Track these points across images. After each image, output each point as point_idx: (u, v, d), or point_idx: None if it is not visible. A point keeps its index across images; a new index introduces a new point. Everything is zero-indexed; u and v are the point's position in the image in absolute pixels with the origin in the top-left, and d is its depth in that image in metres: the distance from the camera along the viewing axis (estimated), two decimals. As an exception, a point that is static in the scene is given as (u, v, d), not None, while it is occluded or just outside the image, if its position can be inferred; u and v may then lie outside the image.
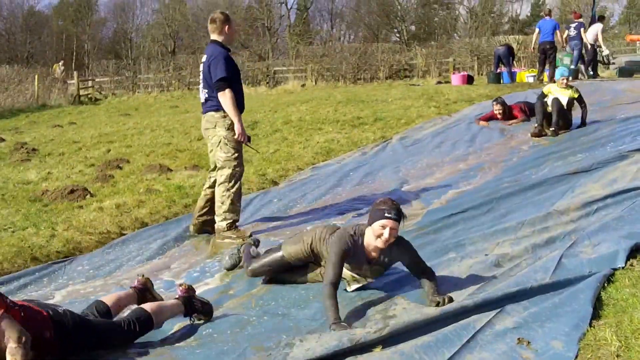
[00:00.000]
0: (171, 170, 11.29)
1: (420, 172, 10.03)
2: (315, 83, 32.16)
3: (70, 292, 6.24)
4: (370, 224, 5.18)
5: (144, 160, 12.48)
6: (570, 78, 20.11)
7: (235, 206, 7.66)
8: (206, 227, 7.82)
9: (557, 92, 12.02)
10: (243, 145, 7.66)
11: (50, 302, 5.96)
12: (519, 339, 4.25)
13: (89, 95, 32.84)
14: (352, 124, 15.23)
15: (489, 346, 4.24)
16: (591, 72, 22.47)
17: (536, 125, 11.94)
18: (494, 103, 14.06)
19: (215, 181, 7.72)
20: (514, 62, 25.46)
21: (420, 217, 7.61)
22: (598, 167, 8.63)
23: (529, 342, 4.20)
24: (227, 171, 7.56)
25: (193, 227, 7.84)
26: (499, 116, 13.83)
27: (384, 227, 5.08)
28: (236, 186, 7.61)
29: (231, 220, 7.62)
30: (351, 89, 26.72)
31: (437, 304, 4.92)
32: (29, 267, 6.83)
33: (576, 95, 12.08)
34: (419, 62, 34.39)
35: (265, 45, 60.20)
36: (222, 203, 7.61)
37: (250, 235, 7.52)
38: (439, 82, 26.89)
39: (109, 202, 9.06)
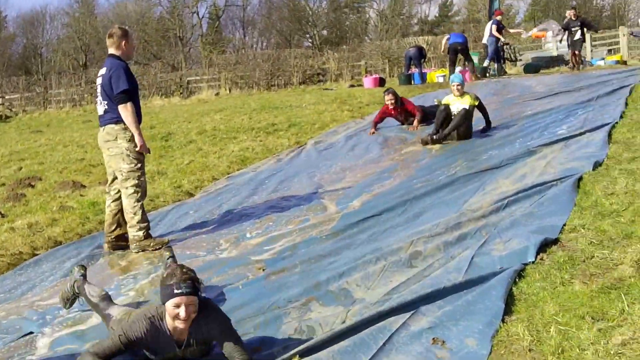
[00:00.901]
0: (85, 186, 11.08)
1: (334, 176, 10.04)
2: (230, 91, 32.00)
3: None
4: (163, 303, 4.36)
5: (57, 177, 12.22)
6: (468, 79, 20.49)
7: (145, 215, 7.64)
8: (120, 242, 7.69)
9: (457, 101, 11.50)
10: (145, 156, 7.62)
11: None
12: (434, 339, 4.28)
13: (-1, 113, 32.12)
14: (266, 131, 15.19)
15: (405, 348, 4.26)
16: (496, 70, 22.98)
17: (431, 133, 11.35)
18: (385, 94, 13.67)
19: (117, 194, 7.67)
20: (424, 63, 25.78)
21: (336, 221, 7.60)
22: (508, 164, 8.79)
23: (443, 342, 4.24)
24: (133, 182, 7.49)
25: (107, 244, 7.71)
26: (391, 107, 13.49)
27: (177, 305, 4.26)
28: (144, 198, 7.61)
29: (145, 230, 7.57)
30: (265, 95, 26.69)
31: None
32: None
33: (476, 103, 11.58)
34: (332, 66, 34.55)
35: (178, 55, 59.77)
36: (135, 214, 7.54)
37: (168, 242, 7.54)
38: (352, 86, 27.07)
39: (21, 222, 8.85)
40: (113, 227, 7.74)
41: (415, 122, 13.22)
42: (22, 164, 14.40)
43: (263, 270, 6.34)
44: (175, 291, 4.24)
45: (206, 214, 8.75)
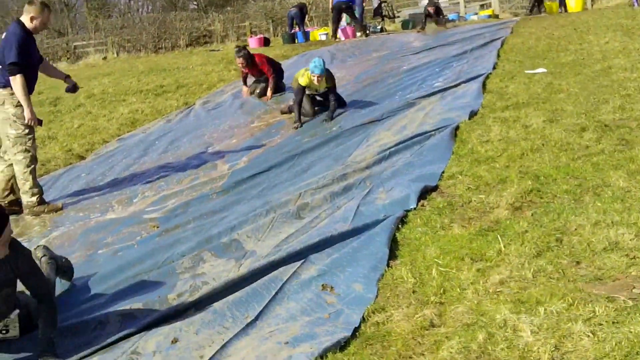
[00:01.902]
0: None
1: (223, 134, 9.98)
2: (117, 55, 31.25)
3: None
4: None
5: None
6: (351, 36, 20.55)
7: (36, 181, 7.45)
8: (13, 207, 7.49)
9: (316, 87, 9.88)
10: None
11: None
12: (323, 285, 4.37)
13: None
14: (155, 92, 14.93)
15: (296, 295, 4.33)
16: (378, 27, 23.16)
17: (295, 122, 9.74)
18: (236, 56, 12.73)
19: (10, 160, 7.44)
20: (307, 22, 25.76)
21: (226, 178, 7.59)
22: (389, 116, 8.93)
23: (332, 288, 4.32)
24: (20, 147, 7.26)
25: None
26: (243, 68, 12.80)
27: None
28: (34, 163, 7.38)
29: (39, 195, 7.40)
30: (153, 58, 26.17)
31: None
32: None
33: (330, 85, 9.90)
34: (217, 28, 34.15)
35: (64, 20, 57.97)
36: (26, 180, 7.33)
37: (62, 208, 7.41)
38: (238, 47, 26.85)
39: None
40: (6, 193, 7.52)
41: (269, 93, 12.34)
42: None
43: (156, 228, 6.30)
44: None
45: (98, 177, 8.59)
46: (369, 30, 22.39)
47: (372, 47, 17.62)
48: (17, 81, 7.07)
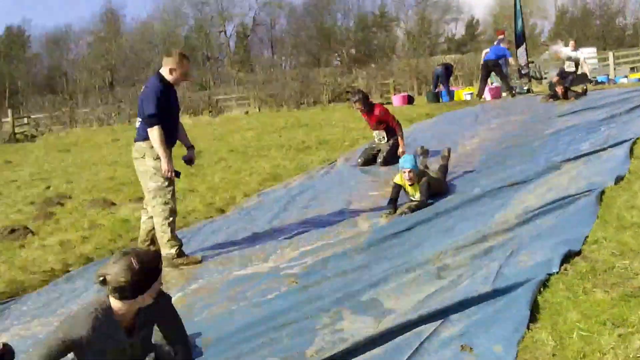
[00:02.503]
0: (115, 204, 11.35)
1: (365, 192, 10.23)
2: (259, 110, 32.34)
3: (14, 334, 6.31)
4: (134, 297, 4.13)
5: (87, 195, 12.51)
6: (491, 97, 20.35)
7: (175, 234, 7.79)
8: None
9: (409, 190, 9.20)
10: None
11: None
12: (462, 345, 4.50)
13: (25, 133, 32.58)
14: (297, 148, 15.43)
15: (435, 354, 4.50)
16: (525, 88, 23.10)
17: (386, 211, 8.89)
18: (352, 101, 13.17)
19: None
20: (452, 81, 25.99)
21: (367, 236, 7.84)
22: (533, 179, 9.02)
23: (471, 348, 4.46)
24: (160, 200, 7.65)
25: None
26: (360, 110, 12.83)
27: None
28: (173, 215, 7.74)
29: (177, 247, 7.75)
30: (295, 113, 26.95)
31: None
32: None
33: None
34: (361, 84, 34.78)
35: (206, 74, 60.31)
36: (164, 232, 7.70)
37: (201, 260, 7.74)
38: (381, 104, 27.26)
39: (52, 240, 9.12)
40: (147, 244, 7.96)
41: (401, 147, 12.20)
42: (50, 182, 14.72)
43: (295, 283, 6.57)
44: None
45: (238, 230, 8.98)
46: (515, 90, 22.37)
47: (518, 109, 17.66)
48: (154, 133, 7.44)
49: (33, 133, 33.09)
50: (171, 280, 7.35)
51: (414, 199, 9.08)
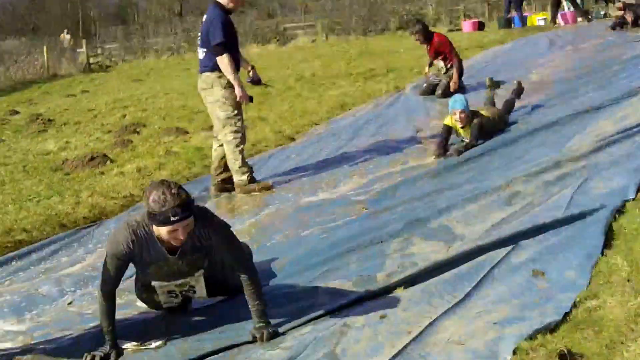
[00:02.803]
0: (188, 132, 11.50)
1: (434, 120, 10.17)
2: (326, 38, 32.10)
3: (100, 255, 6.51)
4: (152, 225, 4.15)
5: (161, 123, 12.68)
6: (571, 22, 19.56)
7: (246, 160, 7.93)
8: (226, 185, 8.04)
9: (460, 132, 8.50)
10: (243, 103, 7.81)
11: (82, 264, 6.29)
12: (533, 270, 4.48)
13: (99, 63, 32.90)
14: (365, 76, 15.35)
15: (506, 279, 4.49)
16: (602, 13, 22.45)
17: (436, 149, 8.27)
18: (410, 32, 12.87)
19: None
20: (525, 6, 25.36)
21: (436, 162, 7.84)
22: (609, 105, 8.77)
23: (543, 273, 4.44)
24: (230, 128, 7.74)
25: (214, 187, 8.07)
26: (419, 42, 12.28)
27: (173, 231, 4.09)
28: (244, 142, 7.86)
29: (249, 173, 7.86)
30: (362, 42, 26.69)
31: (254, 339, 4.25)
32: (59, 234, 7.11)
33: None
34: (430, 11, 34.28)
35: (273, 2, 59.94)
36: (235, 160, 7.82)
37: (272, 186, 7.88)
38: (450, 30, 26.84)
39: (130, 167, 9.33)
40: (219, 171, 8.08)
41: (452, 85, 11.59)
42: (126, 111, 14.94)
43: (365, 210, 6.62)
44: (172, 219, 4.01)
45: (308, 158, 9.05)
46: (591, 15, 21.78)
47: (593, 34, 17.21)
48: (224, 61, 7.51)
49: (107, 63, 33.43)
50: (243, 206, 7.48)
51: (465, 141, 8.37)
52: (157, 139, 11.20)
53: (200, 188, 8.20)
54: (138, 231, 4.19)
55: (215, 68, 7.62)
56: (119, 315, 4.57)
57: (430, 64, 12.38)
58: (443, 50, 11.96)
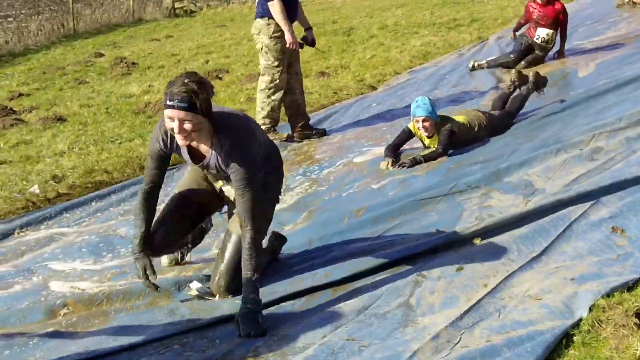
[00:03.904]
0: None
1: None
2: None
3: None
4: None
5: (243, 70, 12.74)
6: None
7: (274, 113, 7.97)
8: (306, 131, 8.06)
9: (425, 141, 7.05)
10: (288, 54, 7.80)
11: (159, 207, 6.39)
12: (613, 227, 4.40)
13: (184, 8, 33.05)
14: (448, 26, 15.16)
15: (584, 235, 4.42)
16: None
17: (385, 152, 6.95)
18: None
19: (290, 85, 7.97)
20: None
21: (518, 115, 7.71)
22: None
23: (623, 230, 4.35)
24: (267, 78, 7.82)
25: (296, 134, 8.10)
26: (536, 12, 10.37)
27: (170, 118, 3.75)
28: (276, 95, 7.86)
29: (270, 125, 7.94)
30: (446, -10, 26.35)
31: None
32: (138, 176, 7.24)
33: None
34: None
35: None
36: (262, 109, 7.93)
37: (288, 137, 8.02)
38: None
39: (211, 112, 9.38)
40: (295, 118, 8.16)
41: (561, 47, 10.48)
42: (208, 57, 15.04)
43: (445, 160, 6.57)
44: (168, 102, 3.73)
45: (389, 107, 9.00)
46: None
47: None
48: (275, 6, 7.52)
49: (192, 8, 33.58)
50: (321, 154, 7.49)
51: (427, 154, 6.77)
52: (239, 86, 11.27)
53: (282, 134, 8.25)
54: (164, 129, 3.95)
55: (264, 14, 7.68)
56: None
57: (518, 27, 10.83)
58: (563, 21, 10.39)
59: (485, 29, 14.18)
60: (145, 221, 4.20)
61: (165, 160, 4.14)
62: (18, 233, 6.05)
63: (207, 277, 4.59)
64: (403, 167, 6.53)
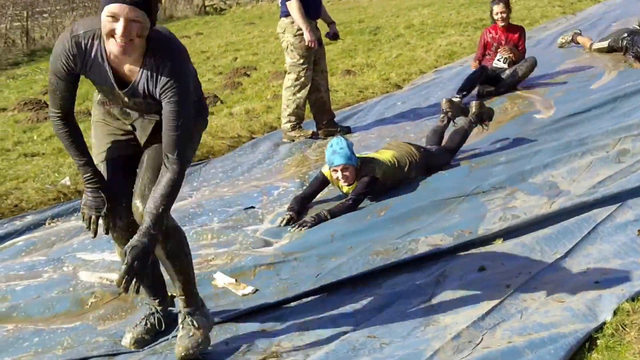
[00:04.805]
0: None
1: (543, 71, 9.86)
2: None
3: (203, 194, 6.60)
4: (101, 11, 3.11)
5: (270, 67, 12.69)
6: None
7: (299, 110, 7.93)
8: (330, 128, 8.01)
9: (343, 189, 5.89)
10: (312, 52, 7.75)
11: (188, 201, 6.37)
12: (639, 230, 4.32)
13: (214, 6, 33.12)
14: (474, 26, 15.01)
15: (609, 238, 4.35)
16: None
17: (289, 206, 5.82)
18: (493, 3, 9.31)
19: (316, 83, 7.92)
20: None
21: (542, 116, 7.61)
22: None
23: (648, 233, 4.28)
24: (292, 76, 7.80)
25: (320, 132, 8.06)
26: (501, 23, 9.18)
27: (114, 17, 3.04)
28: (302, 92, 7.82)
29: (295, 123, 7.93)
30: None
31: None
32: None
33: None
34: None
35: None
36: (287, 106, 7.90)
37: (313, 134, 7.95)
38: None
39: (239, 108, 9.40)
40: (320, 116, 8.11)
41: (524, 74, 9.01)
42: (237, 54, 15.03)
43: (467, 162, 6.47)
44: None
45: (413, 106, 8.92)
46: None
47: None
48: (292, 6, 7.51)
49: (221, 6, 33.63)
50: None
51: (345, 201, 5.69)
52: (266, 83, 11.24)
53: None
54: (82, 42, 3.23)
55: (288, 13, 7.66)
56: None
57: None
58: (519, 42, 9.33)
59: (512, 30, 14.03)
60: (79, 148, 3.48)
61: (75, 82, 3.38)
62: (49, 223, 6.06)
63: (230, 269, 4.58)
64: (304, 227, 5.37)
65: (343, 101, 9.57)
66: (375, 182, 5.69)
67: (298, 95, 7.83)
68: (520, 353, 3.17)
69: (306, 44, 7.61)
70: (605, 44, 10.28)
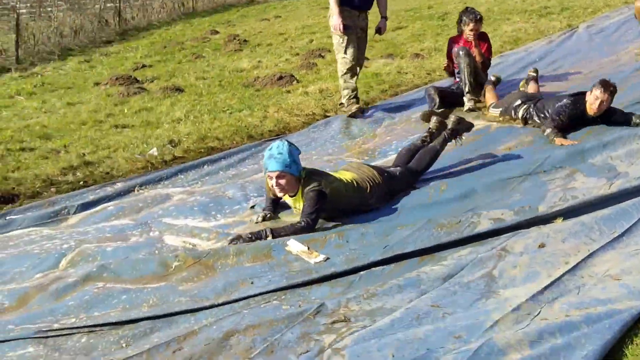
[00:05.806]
0: (368, 58, 11.38)
1: (604, 60, 9.63)
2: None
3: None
4: None
5: (344, 49, 12.64)
6: None
7: (347, 84, 8.02)
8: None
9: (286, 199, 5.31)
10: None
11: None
12: (694, 213, 4.22)
13: (292, -9, 33.17)
14: (539, 13, 14.72)
15: (668, 221, 4.24)
16: None
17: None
18: (469, 20, 8.06)
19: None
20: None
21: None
22: None
23: None
24: (338, 55, 7.98)
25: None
26: (471, 38, 8.09)
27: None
28: (348, 67, 7.90)
29: (347, 97, 8.04)
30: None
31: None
32: (246, 144, 7.34)
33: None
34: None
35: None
36: (340, 84, 8.13)
37: (362, 109, 8.06)
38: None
39: (313, 88, 9.43)
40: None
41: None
42: (313, 37, 14.99)
43: (530, 144, 6.37)
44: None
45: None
46: None
47: None
48: None
49: (300, -10, 33.61)
50: (405, 134, 7.34)
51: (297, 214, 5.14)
52: (339, 64, 11.19)
53: (377, 111, 8.24)
54: None
55: None
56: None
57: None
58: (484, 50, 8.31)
59: (575, 17, 13.71)
60: None
61: None
62: (137, 190, 6.18)
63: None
64: (238, 241, 4.70)
65: (411, 83, 9.54)
66: (323, 198, 4.88)
67: (347, 73, 7.95)
68: (577, 326, 3.13)
69: (332, 29, 7.81)
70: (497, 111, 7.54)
